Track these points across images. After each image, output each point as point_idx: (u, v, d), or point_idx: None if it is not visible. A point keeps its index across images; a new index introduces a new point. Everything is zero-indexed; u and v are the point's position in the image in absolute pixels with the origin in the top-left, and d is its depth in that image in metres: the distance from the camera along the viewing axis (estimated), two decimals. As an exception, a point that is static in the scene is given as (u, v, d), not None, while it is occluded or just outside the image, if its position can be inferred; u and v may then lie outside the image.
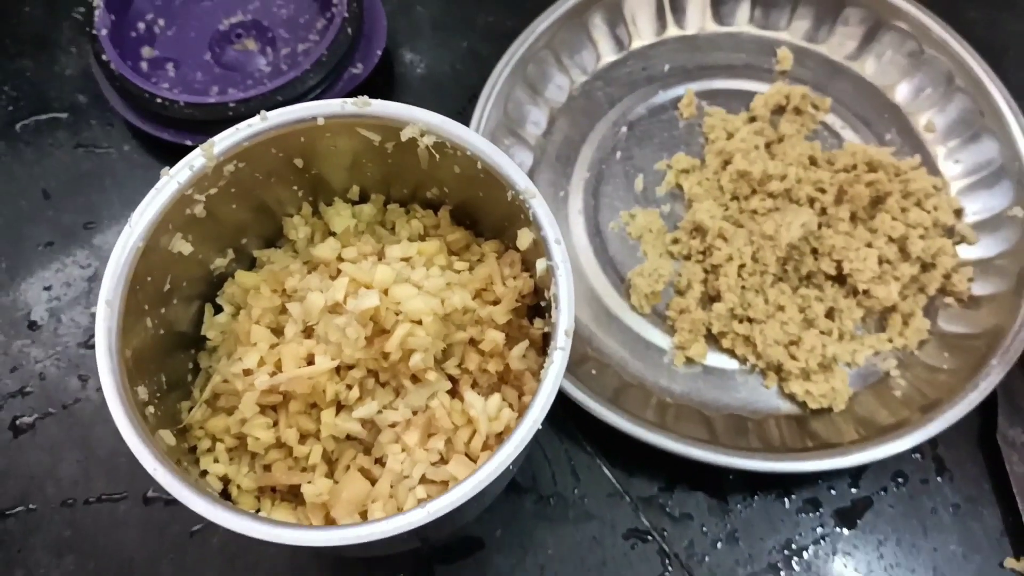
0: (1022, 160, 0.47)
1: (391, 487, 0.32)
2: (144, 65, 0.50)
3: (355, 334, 0.31)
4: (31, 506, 0.42)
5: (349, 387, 0.32)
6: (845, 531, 0.42)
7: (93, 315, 0.46)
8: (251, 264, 0.38)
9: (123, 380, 0.29)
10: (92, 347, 0.44)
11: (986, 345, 0.43)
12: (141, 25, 0.51)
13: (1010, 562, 0.41)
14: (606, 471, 0.43)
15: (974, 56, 0.49)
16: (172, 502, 0.41)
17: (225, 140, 0.32)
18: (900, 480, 0.43)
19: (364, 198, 0.38)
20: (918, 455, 0.44)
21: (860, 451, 0.40)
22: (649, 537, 0.42)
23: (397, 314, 0.32)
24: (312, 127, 0.33)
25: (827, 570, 0.41)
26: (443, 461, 0.32)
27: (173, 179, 0.32)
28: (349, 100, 0.33)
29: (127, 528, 0.42)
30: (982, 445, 0.44)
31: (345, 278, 0.32)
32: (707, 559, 0.42)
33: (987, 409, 0.43)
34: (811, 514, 0.43)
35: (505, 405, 0.33)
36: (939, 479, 0.43)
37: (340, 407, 0.32)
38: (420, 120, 0.33)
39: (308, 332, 0.33)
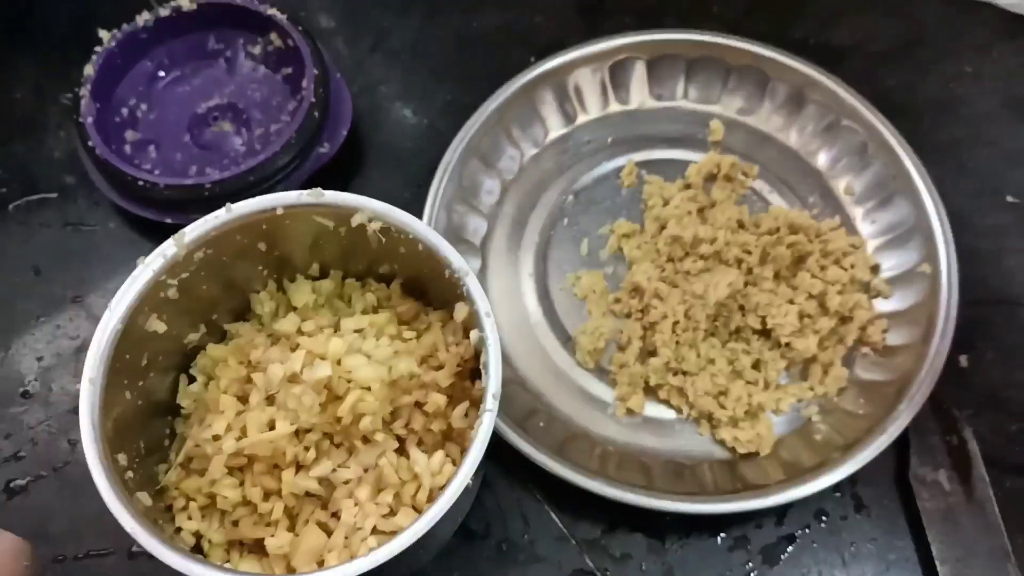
0: (930, 220, 0.51)
1: (346, 538, 0.35)
2: (127, 148, 0.54)
3: (310, 401, 0.35)
4: (25, 563, 0.46)
5: (307, 448, 0.36)
6: (771, 567, 0.46)
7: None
8: (222, 336, 0.42)
9: (104, 450, 0.33)
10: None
11: (896, 391, 0.47)
12: (124, 110, 0.55)
13: None
14: (554, 516, 0.47)
15: (886, 125, 0.54)
16: (155, 557, 0.45)
17: (195, 231, 0.37)
18: (822, 518, 0.47)
19: (324, 273, 0.43)
20: (838, 493, 0.48)
21: (783, 491, 0.44)
22: None
23: (348, 382, 0.36)
24: (273, 216, 0.37)
25: None
26: (392, 513, 0.36)
27: (148, 267, 0.36)
28: (305, 192, 0.37)
29: None
30: (897, 483, 0.48)
31: (302, 351, 0.36)
32: None
33: (901, 450, 0.47)
34: (740, 551, 0.46)
35: (448, 461, 0.37)
36: (857, 515, 0.47)
37: (299, 467, 0.36)
38: (367, 208, 0.37)
39: (270, 400, 0.37)
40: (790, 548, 0.46)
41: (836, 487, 0.47)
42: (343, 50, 0.62)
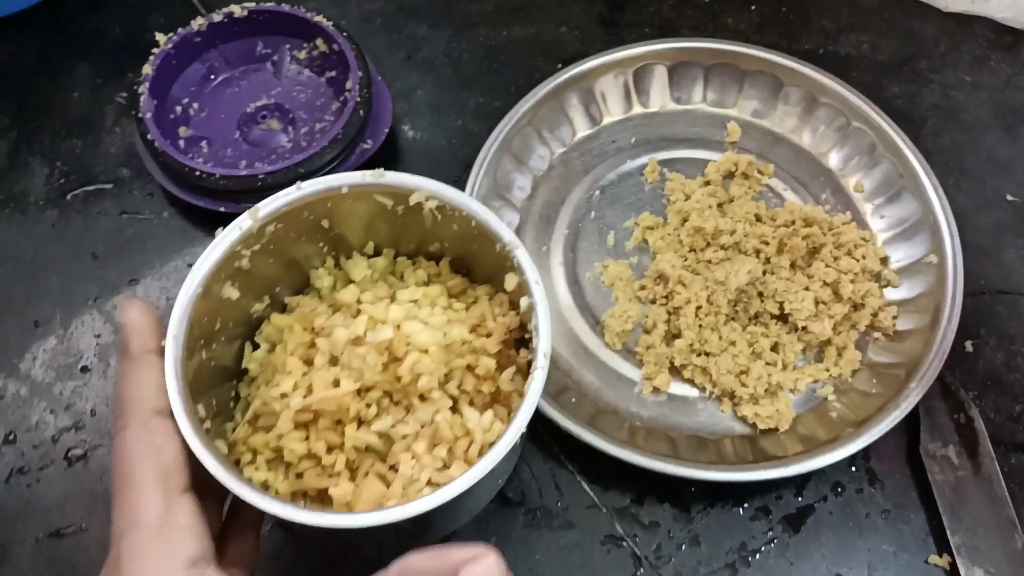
0: (935, 214, 0.55)
1: (403, 488, 0.38)
2: (181, 143, 0.57)
3: (374, 360, 0.38)
4: (84, 526, 0.48)
5: (368, 406, 0.39)
6: (791, 535, 0.49)
7: None
8: (282, 309, 0.45)
9: (187, 398, 0.36)
10: None
11: (906, 372, 0.50)
12: (178, 108, 0.59)
13: (934, 559, 0.48)
14: (585, 486, 0.50)
15: (892, 127, 0.58)
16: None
17: (268, 206, 0.40)
18: (838, 490, 0.50)
19: (377, 253, 0.46)
20: (853, 468, 0.51)
21: (800, 462, 0.47)
22: (623, 543, 0.48)
23: (407, 344, 0.39)
24: (337, 194, 0.41)
25: (777, 567, 0.48)
26: (445, 467, 0.38)
27: (226, 238, 0.39)
28: (368, 172, 0.41)
29: None
30: (908, 458, 0.51)
31: (364, 316, 0.39)
32: (672, 560, 0.48)
33: (912, 427, 0.51)
34: (762, 520, 0.49)
35: (496, 420, 0.40)
36: (872, 488, 0.50)
37: (360, 423, 0.39)
38: (425, 188, 0.41)
39: (333, 361, 0.40)
40: (808, 518, 0.49)
41: (851, 462, 0.50)
42: (382, 58, 0.66)
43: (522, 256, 0.39)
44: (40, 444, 0.51)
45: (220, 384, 0.42)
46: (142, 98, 0.56)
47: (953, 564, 0.47)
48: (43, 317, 0.55)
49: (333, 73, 0.60)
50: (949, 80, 0.66)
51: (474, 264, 0.45)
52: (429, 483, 0.38)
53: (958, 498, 0.49)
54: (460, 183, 0.56)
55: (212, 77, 0.61)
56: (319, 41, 0.60)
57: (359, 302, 0.42)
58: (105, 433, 0.51)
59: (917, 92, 0.65)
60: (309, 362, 0.41)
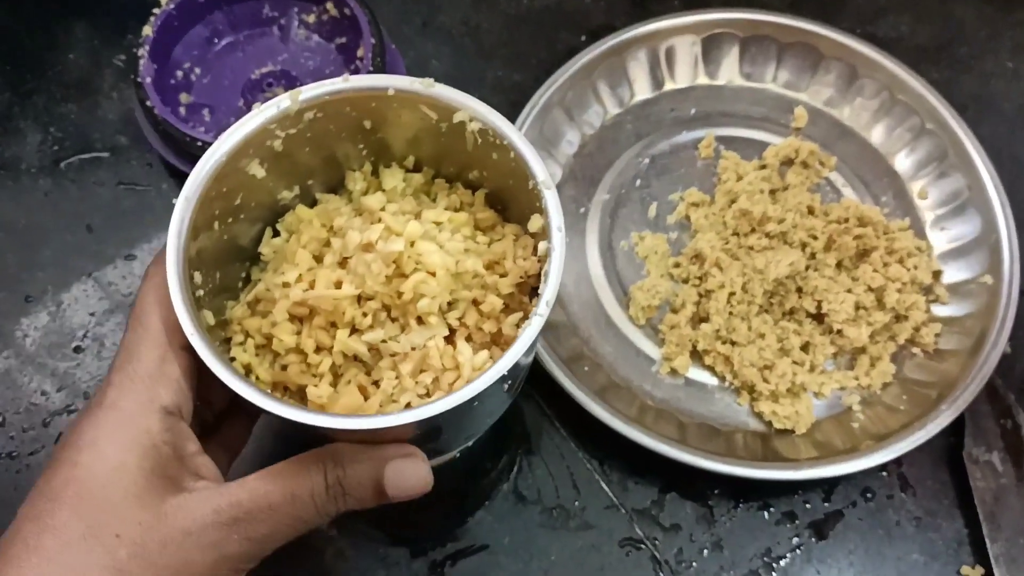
0: (999, 233, 0.52)
1: (380, 405, 0.37)
2: (182, 110, 0.54)
3: (379, 269, 0.37)
4: None
5: (365, 314, 0.38)
6: (818, 541, 0.47)
7: None
8: (312, 203, 0.44)
9: (183, 259, 0.35)
10: None
11: (938, 393, 0.48)
12: (179, 73, 0.55)
13: (966, 569, 0.46)
14: (604, 485, 0.48)
15: (969, 136, 0.54)
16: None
17: (310, 91, 0.38)
18: (868, 495, 0.48)
19: (418, 168, 0.44)
20: (884, 472, 0.48)
21: (816, 467, 0.45)
22: (642, 545, 0.47)
23: (417, 263, 0.37)
24: (383, 95, 0.39)
25: (801, 575, 0.46)
26: (428, 395, 0.37)
27: (262, 113, 0.38)
28: (418, 80, 0.39)
29: None
30: (948, 462, 0.49)
31: (381, 224, 0.38)
32: (694, 565, 0.46)
33: (954, 430, 0.48)
34: (788, 525, 0.47)
35: (491, 361, 0.38)
36: (903, 495, 0.48)
37: (354, 330, 0.38)
38: (471, 107, 0.39)
39: (343, 264, 0.39)
40: (836, 524, 0.47)
41: (883, 467, 0.48)
42: (395, 25, 0.62)
43: (551, 198, 0.38)
44: (31, 427, 0.49)
45: (231, 262, 0.41)
46: (142, 62, 0.52)
47: (988, 575, 0.45)
48: (34, 292, 0.53)
49: (344, 39, 0.56)
50: (989, 67, 0.62)
51: (509, 202, 0.43)
52: (407, 407, 0.37)
53: (999, 506, 0.47)
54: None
55: (216, 41, 0.57)
56: (329, 5, 0.56)
57: (383, 210, 0.41)
58: None
59: (955, 79, 0.61)
60: (320, 259, 0.40)
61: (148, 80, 0.52)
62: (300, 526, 0.33)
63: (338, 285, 0.37)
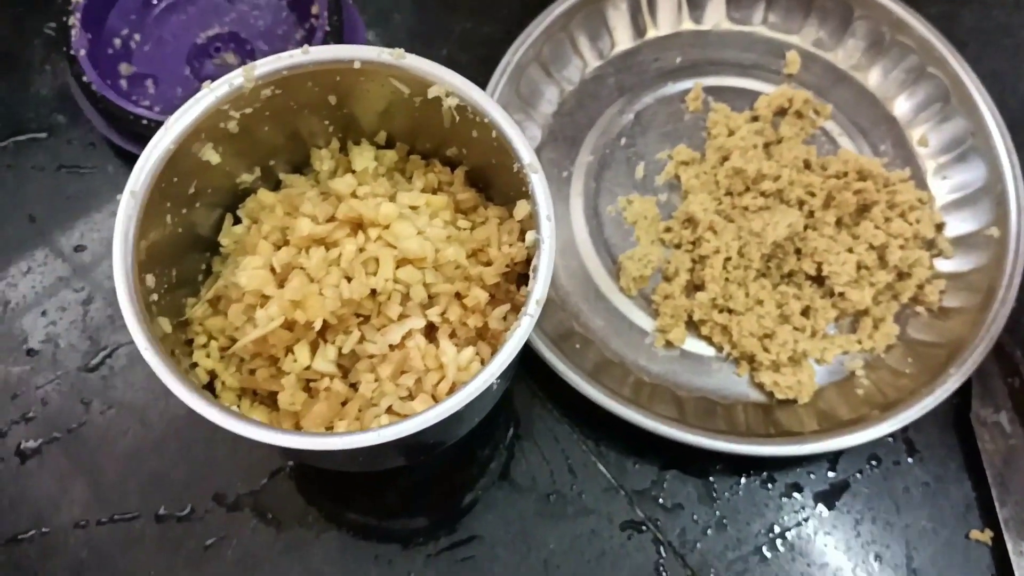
0: (1005, 182, 0.49)
1: (359, 411, 0.35)
2: (123, 83, 0.49)
3: (347, 292, 0.34)
4: (44, 530, 0.44)
5: (338, 319, 0.35)
6: (825, 512, 0.45)
7: (91, 338, 0.47)
8: (276, 184, 0.40)
9: (133, 266, 0.32)
10: (92, 370, 0.47)
11: (947, 355, 0.46)
12: (117, 41, 0.50)
13: (975, 534, 0.45)
14: (601, 467, 0.46)
15: (971, 78, 0.51)
16: (184, 519, 0.44)
17: (266, 65, 0.35)
18: (874, 463, 0.46)
19: (391, 144, 0.41)
20: (891, 439, 0.47)
21: (820, 440, 0.43)
22: (644, 528, 0.45)
23: (395, 249, 0.34)
24: (348, 68, 0.35)
25: (809, 550, 0.45)
26: (410, 397, 0.35)
27: (212, 92, 0.34)
28: (386, 50, 0.35)
29: (142, 546, 0.43)
30: (955, 425, 0.47)
31: (350, 246, 0.35)
32: (698, 545, 0.45)
33: (961, 392, 0.46)
34: (793, 498, 0.46)
35: (477, 359, 0.36)
36: (910, 460, 0.47)
37: (325, 332, 0.35)
38: (447, 81, 0.35)
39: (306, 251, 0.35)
40: (843, 494, 0.46)
41: (889, 433, 0.46)
42: None
43: (538, 184, 0.34)
44: (-16, 439, 0.46)
45: (188, 253, 0.38)
46: (73, 31, 0.47)
47: (996, 539, 0.44)
48: (-24, 293, 0.48)
49: None
50: None
51: (492, 180, 0.40)
52: (389, 411, 0.35)
53: (1009, 468, 0.45)
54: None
55: (155, 2, 0.52)
56: (277, -45, 0.51)
57: (354, 195, 0.37)
58: (60, 425, 0.46)
59: (955, 12, 0.57)
60: (281, 245, 0.36)
61: (82, 52, 0.47)
62: None
63: (299, 304, 0.34)
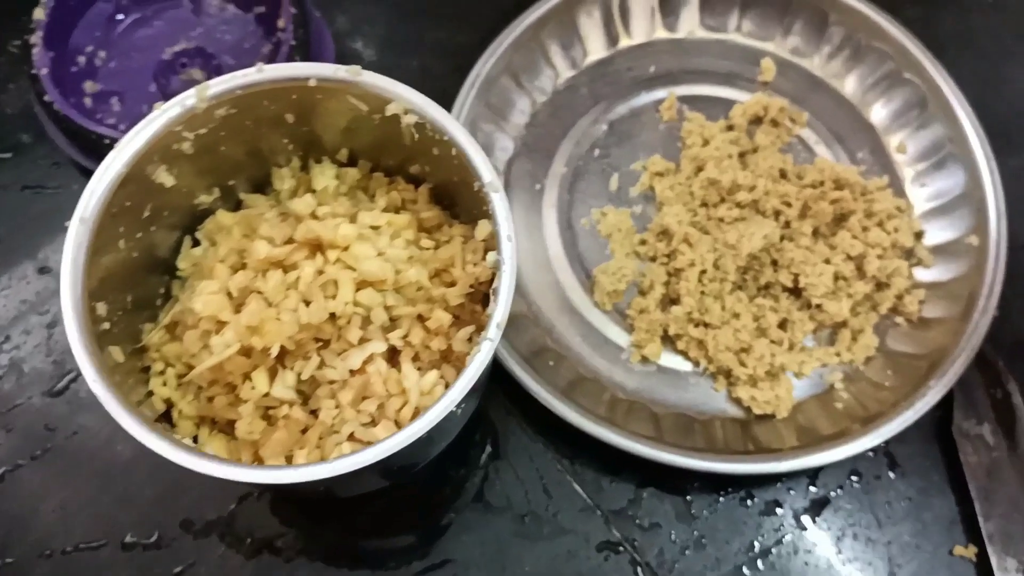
0: (984, 189, 0.48)
1: (320, 438, 0.34)
2: (88, 101, 0.48)
3: (307, 319, 0.33)
4: (8, 559, 0.43)
5: (297, 344, 0.34)
6: (805, 529, 0.45)
7: (55, 362, 0.46)
8: (237, 205, 0.39)
9: (82, 295, 0.31)
10: (58, 395, 0.45)
11: (927, 366, 0.45)
12: (81, 59, 0.49)
13: (959, 549, 0.44)
14: (576, 487, 0.45)
15: (948, 83, 0.50)
16: (152, 546, 0.42)
17: (219, 85, 0.34)
18: (855, 478, 0.46)
19: (354, 161, 0.40)
20: (871, 452, 0.46)
21: (798, 457, 0.42)
22: (621, 548, 0.44)
23: (354, 271, 0.33)
24: (304, 87, 0.35)
25: (790, 568, 0.44)
26: (373, 423, 0.34)
27: (165, 113, 0.33)
28: (343, 67, 0.35)
29: (109, 575, 0.42)
30: (937, 437, 0.46)
31: (308, 268, 0.34)
32: (677, 565, 0.44)
33: (942, 404, 0.45)
34: (772, 515, 0.45)
35: (441, 383, 0.35)
36: (891, 474, 0.46)
37: (283, 358, 0.34)
38: (405, 98, 0.35)
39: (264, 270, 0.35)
40: (824, 511, 0.45)
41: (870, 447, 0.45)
42: None
43: (499, 203, 0.34)
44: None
45: (145, 277, 0.37)
46: (35, 51, 0.46)
47: (981, 555, 0.43)
48: (-64, 318, 0.47)
49: (262, 8, 0.50)
50: (967, 1, 0.58)
51: (456, 198, 0.39)
52: (351, 438, 0.34)
53: (992, 481, 0.44)
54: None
55: (120, 18, 0.51)
56: (242, -33, 0.50)
57: (314, 216, 0.36)
58: (24, 451, 0.44)
59: (933, 15, 0.57)
60: (238, 269, 0.36)
61: (44, 71, 0.46)
62: None
63: (256, 330, 0.33)
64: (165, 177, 0.35)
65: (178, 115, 0.34)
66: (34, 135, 0.51)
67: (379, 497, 0.44)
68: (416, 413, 0.34)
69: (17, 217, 0.50)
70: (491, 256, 0.34)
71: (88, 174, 0.49)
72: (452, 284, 0.36)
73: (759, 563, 0.44)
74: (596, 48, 0.54)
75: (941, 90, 0.50)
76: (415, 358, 0.35)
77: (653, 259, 0.48)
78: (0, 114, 0.52)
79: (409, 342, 0.35)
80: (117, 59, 0.50)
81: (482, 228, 0.35)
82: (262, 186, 0.40)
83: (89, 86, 0.49)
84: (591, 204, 0.50)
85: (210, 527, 0.44)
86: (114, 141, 0.45)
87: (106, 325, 0.33)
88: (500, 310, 0.32)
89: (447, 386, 0.35)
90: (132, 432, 0.29)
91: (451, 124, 0.34)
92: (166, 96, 0.49)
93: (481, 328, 0.37)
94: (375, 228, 0.36)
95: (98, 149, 0.46)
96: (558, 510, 0.45)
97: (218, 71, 0.51)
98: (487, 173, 0.34)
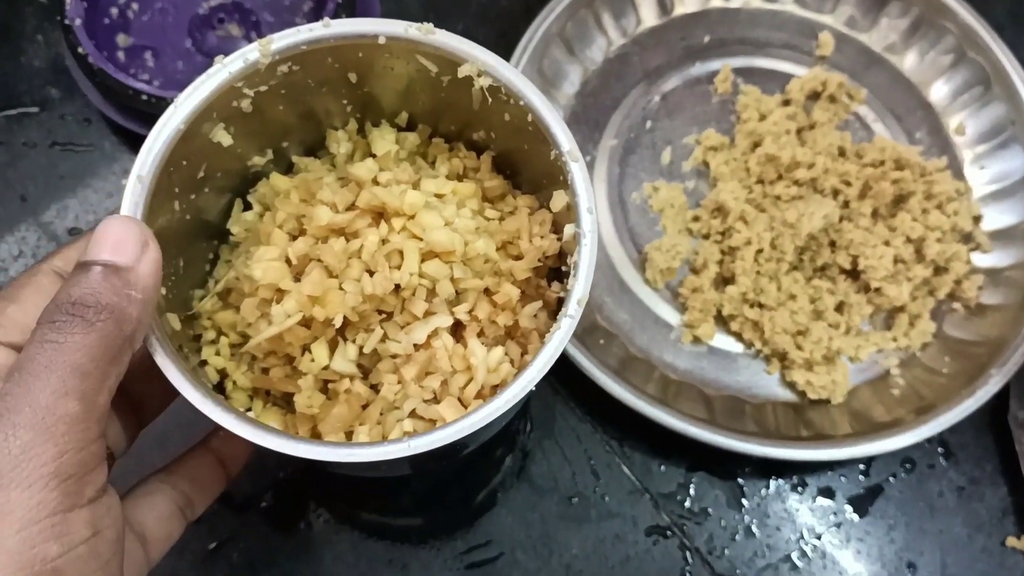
0: (1047, 174, 0.47)
1: (380, 414, 0.32)
2: (121, 55, 0.46)
3: (371, 290, 0.31)
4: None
5: (360, 316, 0.32)
6: (857, 518, 0.44)
7: None
8: (288, 168, 0.38)
9: None
10: None
11: (987, 354, 0.44)
12: (114, 10, 0.47)
13: (1011, 541, 0.43)
14: (625, 469, 0.44)
15: (1013, 64, 0.49)
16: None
17: (283, 40, 0.32)
18: (908, 466, 0.45)
19: (411, 126, 0.38)
20: (925, 442, 0.45)
21: (852, 445, 0.41)
22: (670, 533, 0.43)
23: (421, 241, 0.32)
24: (372, 44, 0.33)
25: (840, 557, 0.43)
26: (435, 400, 0.32)
27: (225, 68, 0.31)
28: (414, 24, 0.32)
29: None
30: (992, 427, 0.45)
31: (373, 236, 0.32)
32: (726, 552, 0.43)
33: (997, 392, 0.44)
34: (824, 503, 0.44)
35: (507, 360, 0.33)
36: (944, 463, 0.45)
37: (344, 329, 0.33)
38: (480, 59, 0.32)
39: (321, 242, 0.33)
40: (876, 499, 0.44)
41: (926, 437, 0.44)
42: None
43: (578, 173, 0.32)
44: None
45: (196, 241, 0.35)
46: (68, 0, 0.44)
47: None
48: (-41, 281, 0.45)
49: None
50: None
51: (521, 167, 0.37)
52: (413, 415, 0.32)
53: None
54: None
55: None
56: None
57: (375, 182, 0.34)
58: None
59: None
60: (299, 235, 0.34)
61: (78, 22, 0.44)
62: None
63: (318, 300, 0.31)
64: (223, 136, 0.33)
65: (240, 70, 0.32)
66: (63, 89, 0.49)
67: (422, 475, 0.43)
68: (481, 390, 0.33)
69: (46, 175, 0.48)
70: (568, 229, 0.32)
71: (120, 131, 0.48)
72: (518, 257, 0.35)
73: (809, 551, 0.43)
74: (649, 16, 0.52)
75: (1006, 70, 0.49)
76: (480, 333, 0.34)
77: (707, 236, 0.47)
78: (27, 66, 0.50)
79: (475, 316, 0.33)
80: (151, 12, 0.48)
81: (558, 199, 0.33)
82: (314, 149, 0.39)
83: (122, 39, 0.47)
84: (642, 178, 0.49)
85: (249, 501, 0.42)
86: (151, 97, 0.43)
87: (162, 291, 0.31)
88: (580, 285, 0.30)
89: (512, 363, 0.34)
90: (197, 404, 0.28)
91: (529, 89, 0.32)
92: (202, 52, 0.48)
93: (547, 304, 0.35)
94: (439, 196, 0.35)
95: (134, 105, 0.44)
96: (606, 492, 0.44)
97: (256, 28, 0.49)
98: (566, 141, 0.32)
